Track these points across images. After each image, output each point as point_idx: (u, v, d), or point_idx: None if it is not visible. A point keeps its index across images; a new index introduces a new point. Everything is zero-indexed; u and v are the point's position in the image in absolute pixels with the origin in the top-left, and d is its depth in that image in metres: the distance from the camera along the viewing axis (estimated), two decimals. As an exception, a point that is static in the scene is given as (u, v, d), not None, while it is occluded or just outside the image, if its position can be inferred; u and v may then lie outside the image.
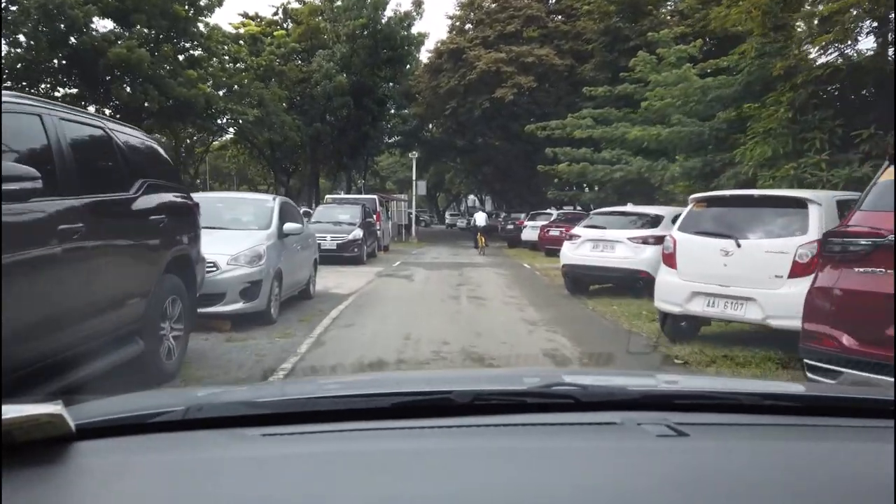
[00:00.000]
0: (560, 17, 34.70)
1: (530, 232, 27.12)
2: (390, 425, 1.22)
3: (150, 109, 32.23)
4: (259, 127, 33.83)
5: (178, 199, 6.23)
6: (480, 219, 28.81)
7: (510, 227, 30.59)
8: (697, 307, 7.27)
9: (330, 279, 14.81)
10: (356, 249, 18.89)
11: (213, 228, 8.94)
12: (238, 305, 8.01)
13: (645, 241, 11.24)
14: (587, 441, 1.19)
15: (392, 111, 45.66)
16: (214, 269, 7.88)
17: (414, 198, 33.94)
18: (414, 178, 34.37)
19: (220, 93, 33.20)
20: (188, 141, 41.21)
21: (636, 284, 11.22)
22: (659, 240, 11.34)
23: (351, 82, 38.01)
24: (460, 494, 0.95)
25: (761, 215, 7.09)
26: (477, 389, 1.37)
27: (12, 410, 0.96)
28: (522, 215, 30.74)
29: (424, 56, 40.43)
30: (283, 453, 1.09)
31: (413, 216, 34.93)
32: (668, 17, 28.40)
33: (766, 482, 1.02)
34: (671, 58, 22.31)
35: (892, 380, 3.70)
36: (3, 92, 3.82)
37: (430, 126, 53.25)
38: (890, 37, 10.34)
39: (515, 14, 33.17)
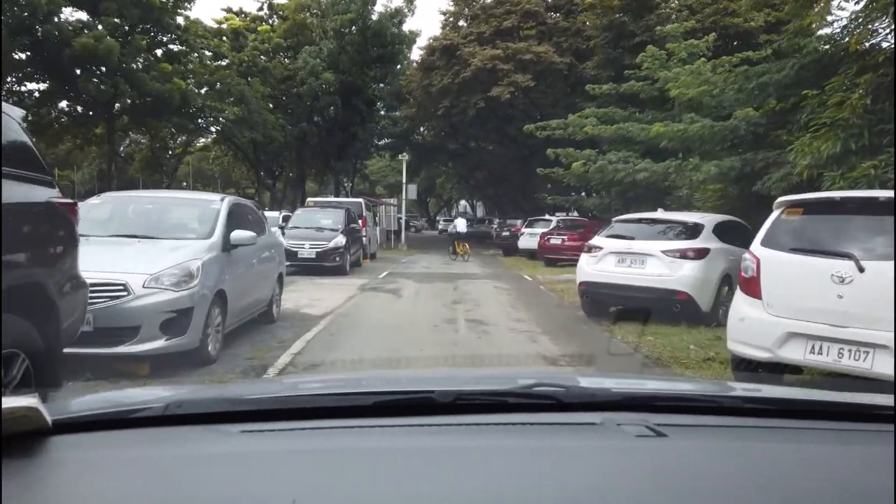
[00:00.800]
0: (559, 13, 32.67)
1: (528, 240, 24.99)
2: (371, 423, 1.19)
3: (123, 106, 30.04)
4: (240, 126, 31.59)
5: (37, 202, 4.02)
6: (461, 225, 27.09)
7: (506, 234, 28.46)
8: (795, 354, 5.11)
9: (305, 294, 12.59)
10: (338, 258, 16.68)
11: (134, 238, 6.75)
12: (158, 343, 5.74)
13: (683, 254, 9.24)
14: (568, 441, 1.17)
15: (382, 112, 43.53)
16: (124, 294, 5.67)
17: (404, 202, 31.74)
18: (404, 180, 32.14)
19: (202, 90, 30.92)
20: (170, 141, 38.89)
21: (673, 308, 9.10)
22: (700, 253, 9.26)
23: (339, 81, 35.85)
24: (441, 492, 0.93)
25: (889, 227, 4.94)
26: (459, 389, 1.34)
27: None
28: (519, 222, 28.61)
29: (416, 55, 38.29)
30: (261, 449, 1.07)
31: (403, 221, 32.67)
32: (676, 13, 26.33)
33: (743, 482, 1.01)
34: (682, 53, 20.32)
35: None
36: None
37: (422, 129, 51.23)
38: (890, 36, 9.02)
39: (512, 9, 31.07)
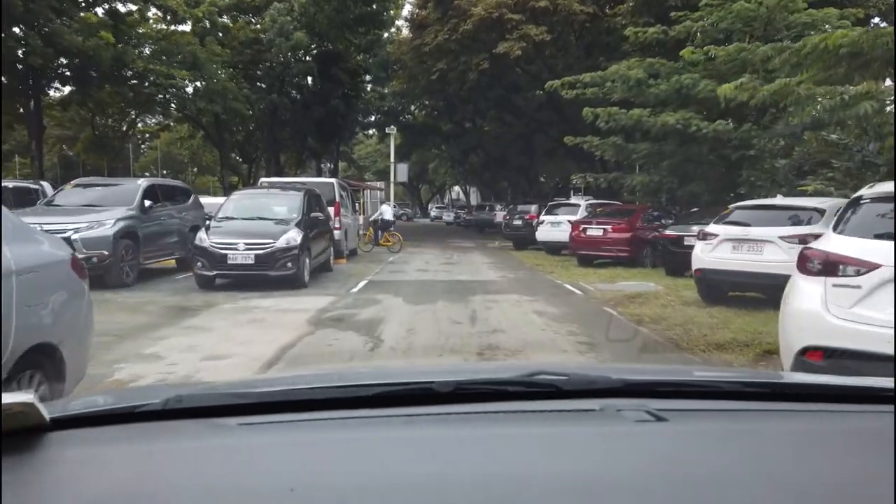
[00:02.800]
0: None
1: (550, 230, 19.12)
2: (370, 414, 1.17)
3: (55, 71, 23.86)
4: (195, 97, 25.47)
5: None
6: (388, 212, 22.24)
7: (517, 222, 22.52)
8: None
9: (205, 337, 6.79)
10: (289, 264, 10.73)
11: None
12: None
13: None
14: (568, 427, 1.15)
15: (368, 86, 37.43)
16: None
17: (392, 185, 25.63)
18: (392, 158, 25.93)
19: (142, 51, 24.68)
20: (120, 119, 32.63)
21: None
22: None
23: (315, 45, 29.73)
24: (441, 481, 0.92)
25: None
26: (459, 379, 1.30)
27: None
28: (533, 208, 22.67)
29: (407, 11, 32.10)
30: (260, 442, 1.05)
31: (391, 207, 26.62)
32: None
33: (744, 465, 1.00)
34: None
35: None
36: None
37: (413, 108, 45.14)
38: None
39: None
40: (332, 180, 16.21)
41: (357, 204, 28.39)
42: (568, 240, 17.37)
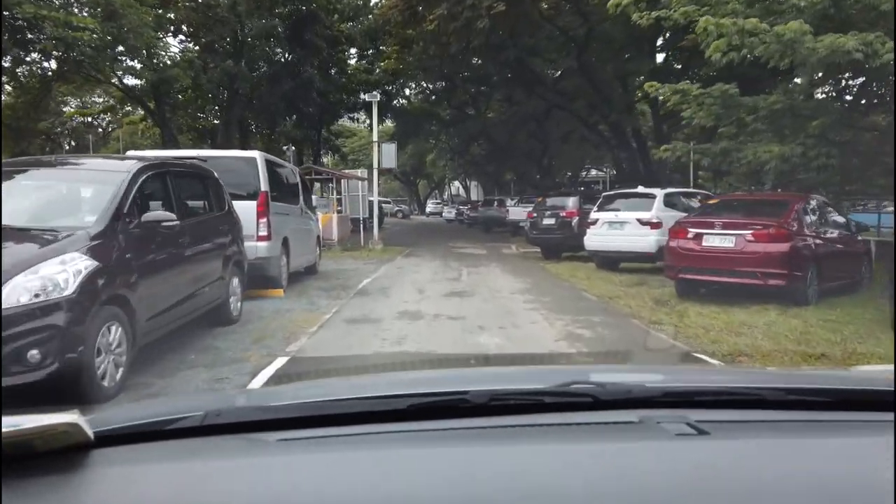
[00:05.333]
0: None
1: (608, 234, 12.18)
2: (406, 428, 1.14)
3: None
4: (106, 55, 18.40)
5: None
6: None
7: (549, 222, 15.47)
8: None
9: None
10: (34, 354, 3.79)
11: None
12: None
13: None
14: (606, 441, 1.09)
15: (353, 60, 30.36)
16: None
17: (376, 172, 18.44)
18: (374, 131, 18.48)
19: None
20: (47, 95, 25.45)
21: None
22: None
23: (282, 1, 22.70)
24: (478, 498, 0.90)
25: None
26: (493, 389, 1.26)
27: (31, 420, 0.91)
28: (570, 201, 15.59)
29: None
30: (299, 458, 1.04)
31: (375, 204, 19.28)
32: None
33: (791, 482, 0.94)
34: None
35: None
36: None
37: (408, 91, 38.12)
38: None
39: None
40: (255, 154, 9.14)
41: (326, 196, 21.49)
42: (652, 250, 10.48)
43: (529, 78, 24.35)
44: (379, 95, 19.91)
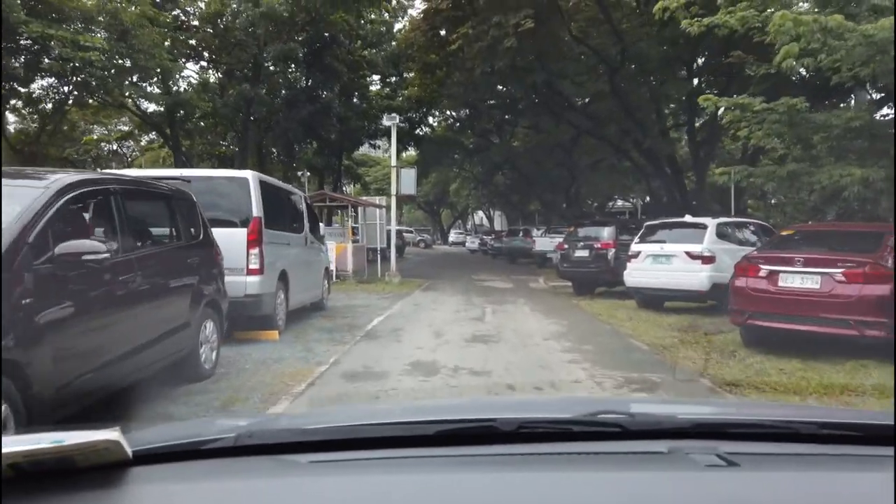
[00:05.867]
0: None
1: (652, 269, 10.69)
2: (435, 453, 1.15)
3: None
4: (119, 76, 17.54)
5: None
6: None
7: (582, 253, 13.97)
8: None
9: None
10: None
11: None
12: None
13: None
14: (634, 471, 1.06)
15: (374, 86, 29.44)
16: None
17: (393, 199, 17.13)
18: (393, 156, 17.14)
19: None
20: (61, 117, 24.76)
21: None
22: None
23: (301, 23, 21.84)
24: None
25: None
26: (522, 417, 1.25)
27: (73, 437, 0.93)
28: (606, 231, 14.07)
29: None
30: (330, 480, 1.05)
31: (392, 233, 17.80)
32: None
33: None
34: None
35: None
36: None
37: (431, 119, 37.10)
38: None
39: None
40: (247, 175, 7.83)
41: (341, 225, 20.20)
42: (703, 288, 9.02)
43: (558, 102, 23.07)
44: (398, 118, 18.67)
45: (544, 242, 24.92)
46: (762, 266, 7.03)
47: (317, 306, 10.61)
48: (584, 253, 13.85)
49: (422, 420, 1.27)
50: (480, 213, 67.71)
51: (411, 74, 28.00)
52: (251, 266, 7.32)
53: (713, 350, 7.29)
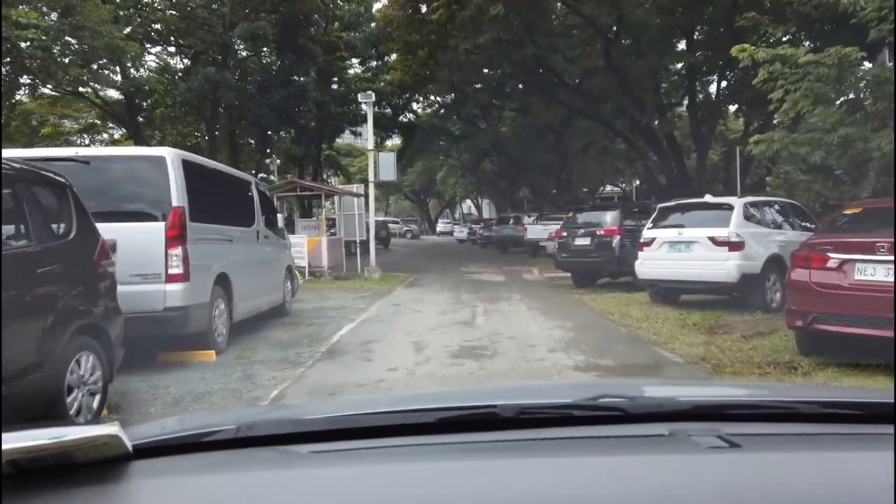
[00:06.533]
0: None
1: (668, 258, 9.08)
2: (435, 441, 1.12)
3: None
4: (65, 58, 15.67)
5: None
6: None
7: (583, 242, 12.31)
8: None
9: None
10: None
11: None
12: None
13: None
14: (636, 454, 1.05)
15: (351, 69, 27.60)
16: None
17: (371, 187, 15.29)
18: (370, 137, 15.20)
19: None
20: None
21: None
22: None
23: (273, 5, 20.00)
24: None
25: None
26: (522, 403, 1.22)
27: (73, 432, 0.92)
28: (609, 216, 12.39)
29: None
30: (331, 470, 1.03)
31: (372, 224, 15.92)
32: None
33: (825, 495, 0.90)
34: None
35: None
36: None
37: (415, 105, 35.27)
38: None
39: None
40: (164, 153, 6.06)
41: (313, 214, 18.43)
42: (733, 279, 7.46)
43: (548, 80, 21.34)
44: (375, 100, 16.84)
45: (536, 230, 23.26)
46: (831, 254, 5.38)
47: (278, 312, 8.92)
48: (586, 241, 12.18)
49: (422, 408, 1.24)
50: (468, 201, 65.96)
51: (393, 57, 26.22)
52: (172, 271, 5.58)
53: (765, 363, 5.66)
